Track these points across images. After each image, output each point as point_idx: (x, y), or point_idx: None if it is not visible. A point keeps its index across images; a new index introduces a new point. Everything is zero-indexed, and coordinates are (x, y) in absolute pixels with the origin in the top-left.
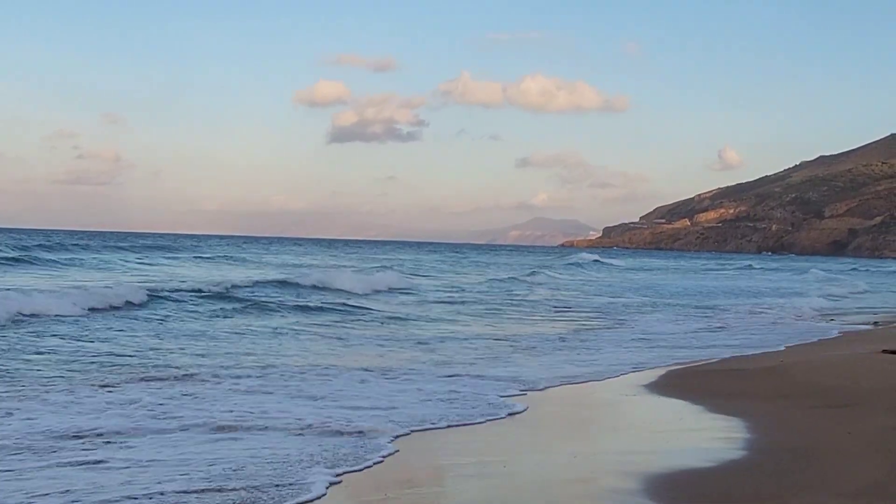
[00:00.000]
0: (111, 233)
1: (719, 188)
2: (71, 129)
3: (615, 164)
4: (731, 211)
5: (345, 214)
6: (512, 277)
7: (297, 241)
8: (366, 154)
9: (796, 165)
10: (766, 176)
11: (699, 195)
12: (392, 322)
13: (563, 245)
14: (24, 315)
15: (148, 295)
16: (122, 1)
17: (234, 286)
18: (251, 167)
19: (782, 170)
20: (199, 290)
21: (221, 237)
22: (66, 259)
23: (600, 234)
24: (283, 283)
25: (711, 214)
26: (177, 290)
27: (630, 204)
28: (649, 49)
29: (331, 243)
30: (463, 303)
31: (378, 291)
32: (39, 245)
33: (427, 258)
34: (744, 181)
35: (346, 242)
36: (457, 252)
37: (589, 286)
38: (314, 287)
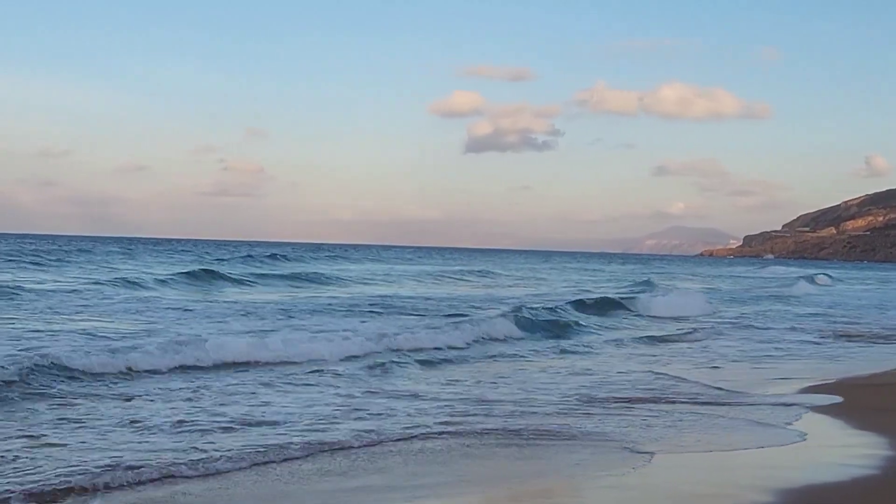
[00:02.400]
0: (293, 243)
1: (867, 195)
2: (216, 143)
3: (755, 171)
4: (881, 218)
5: (479, 223)
6: (774, 293)
7: (440, 251)
8: (501, 163)
9: None
10: None
11: (846, 202)
12: None
13: (702, 254)
14: (483, 337)
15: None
16: (263, 17)
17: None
18: (386, 177)
19: None
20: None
21: (391, 247)
22: (331, 273)
23: (741, 243)
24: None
25: (859, 222)
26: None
27: (771, 212)
28: (790, 54)
29: (477, 253)
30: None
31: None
32: (248, 256)
33: (622, 269)
34: (894, 187)
35: (488, 251)
36: (641, 263)
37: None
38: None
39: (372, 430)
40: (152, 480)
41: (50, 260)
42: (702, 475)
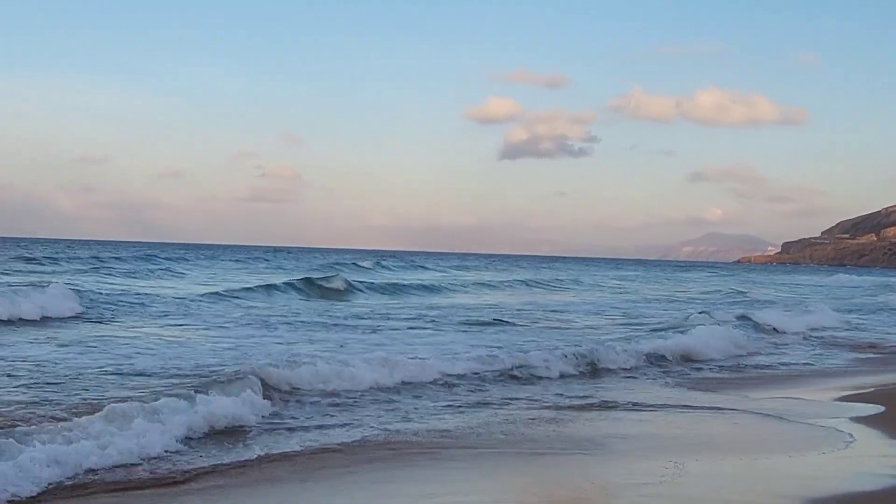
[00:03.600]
0: (331, 249)
1: None
2: (253, 149)
3: (793, 177)
4: None
5: (514, 230)
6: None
7: (482, 257)
8: (536, 170)
9: None
10: None
11: (886, 209)
12: None
13: (739, 261)
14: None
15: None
16: (300, 23)
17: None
18: (422, 184)
19: None
20: None
21: (430, 254)
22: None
23: (779, 250)
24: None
25: None
26: None
27: (809, 218)
28: (827, 58)
29: (521, 259)
30: None
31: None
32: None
33: (680, 277)
34: None
35: (529, 258)
36: (685, 269)
37: None
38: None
39: None
40: None
41: (141, 267)
42: (734, 483)
